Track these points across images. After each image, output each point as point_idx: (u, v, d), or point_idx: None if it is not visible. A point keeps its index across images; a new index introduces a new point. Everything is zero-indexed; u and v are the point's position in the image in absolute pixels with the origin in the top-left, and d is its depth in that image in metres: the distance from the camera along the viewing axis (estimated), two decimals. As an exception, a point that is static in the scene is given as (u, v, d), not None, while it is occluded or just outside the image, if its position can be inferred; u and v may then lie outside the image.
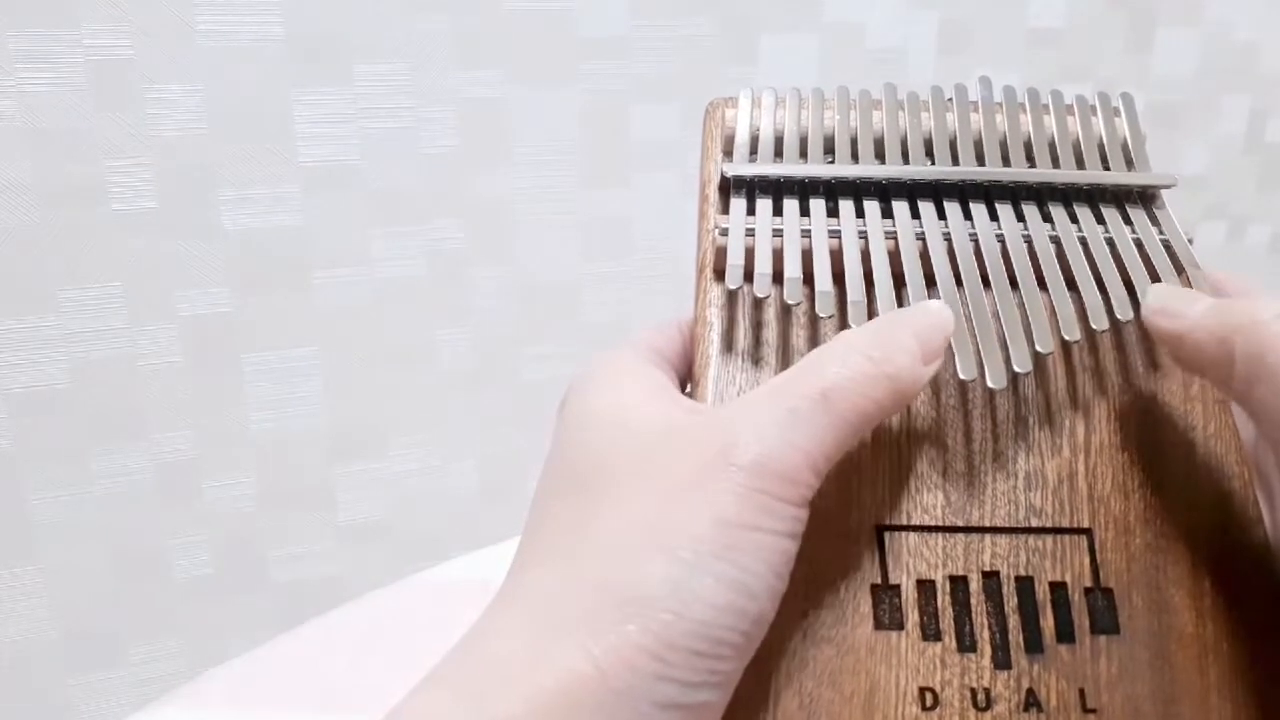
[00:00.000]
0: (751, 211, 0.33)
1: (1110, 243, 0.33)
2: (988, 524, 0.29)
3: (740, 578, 0.24)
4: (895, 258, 0.32)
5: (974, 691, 0.27)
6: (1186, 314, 0.29)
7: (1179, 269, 0.32)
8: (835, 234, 0.32)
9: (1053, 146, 0.35)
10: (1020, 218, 0.33)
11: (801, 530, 0.26)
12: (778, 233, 0.32)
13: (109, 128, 0.73)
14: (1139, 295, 0.31)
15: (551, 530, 0.27)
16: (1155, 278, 0.32)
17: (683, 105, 0.86)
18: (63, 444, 0.77)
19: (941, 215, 0.33)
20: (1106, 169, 0.35)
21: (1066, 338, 0.30)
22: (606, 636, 0.23)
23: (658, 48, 0.85)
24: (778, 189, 0.34)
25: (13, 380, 0.75)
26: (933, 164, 0.34)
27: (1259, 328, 0.26)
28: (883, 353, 0.27)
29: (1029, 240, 0.32)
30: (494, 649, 0.25)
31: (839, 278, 0.31)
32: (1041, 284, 0.31)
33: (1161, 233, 0.33)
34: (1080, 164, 0.35)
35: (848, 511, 0.29)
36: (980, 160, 0.35)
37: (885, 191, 0.34)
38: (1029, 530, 0.29)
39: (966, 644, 0.28)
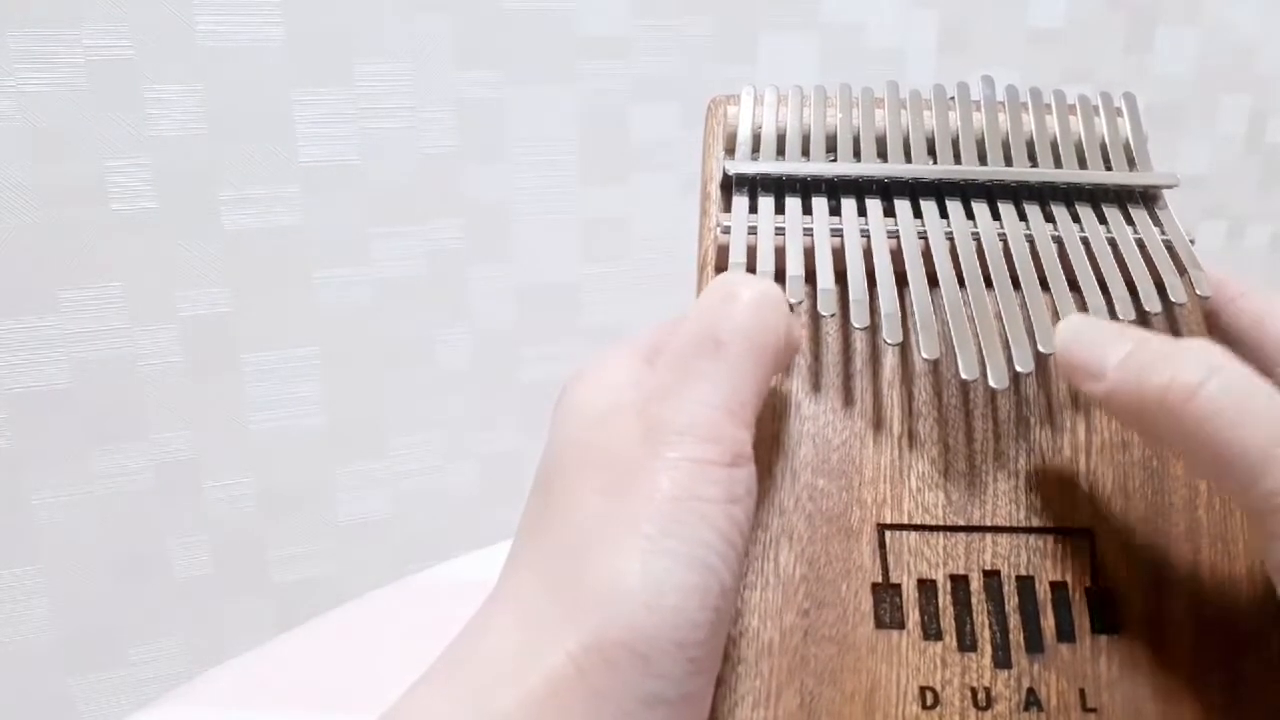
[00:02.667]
0: (754, 209, 0.33)
1: (1113, 243, 0.33)
2: (989, 523, 0.29)
3: (695, 552, 0.24)
4: (897, 256, 0.32)
5: (974, 691, 0.27)
6: (1101, 372, 0.26)
7: (1181, 270, 0.32)
8: (837, 232, 0.32)
9: (1055, 146, 0.35)
10: (1023, 217, 0.33)
11: (743, 491, 0.25)
12: (780, 231, 0.32)
13: (109, 128, 0.73)
14: (1141, 295, 0.31)
15: (532, 530, 0.27)
16: (1158, 278, 0.32)
17: (683, 105, 0.86)
18: (63, 444, 0.77)
19: (944, 214, 0.33)
20: (1109, 169, 0.35)
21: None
22: (585, 637, 0.23)
23: (658, 48, 0.85)
24: (780, 187, 0.34)
25: (13, 380, 0.75)
26: (935, 163, 0.34)
27: (1177, 407, 0.24)
28: (764, 282, 0.28)
29: (1031, 240, 0.32)
30: (485, 650, 0.25)
31: (841, 276, 0.31)
32: (1044, 284, 0.31)
33: (1164, 233, 0.33)
34: (1083, 164, 0.35)
35: (849, 510, 0.29)
36: (983, 159, 0.35)
37: (887, 190, 0.34)
38: (1030, 530, 0.29)
39: (967, 643, 0.28)
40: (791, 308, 0.31)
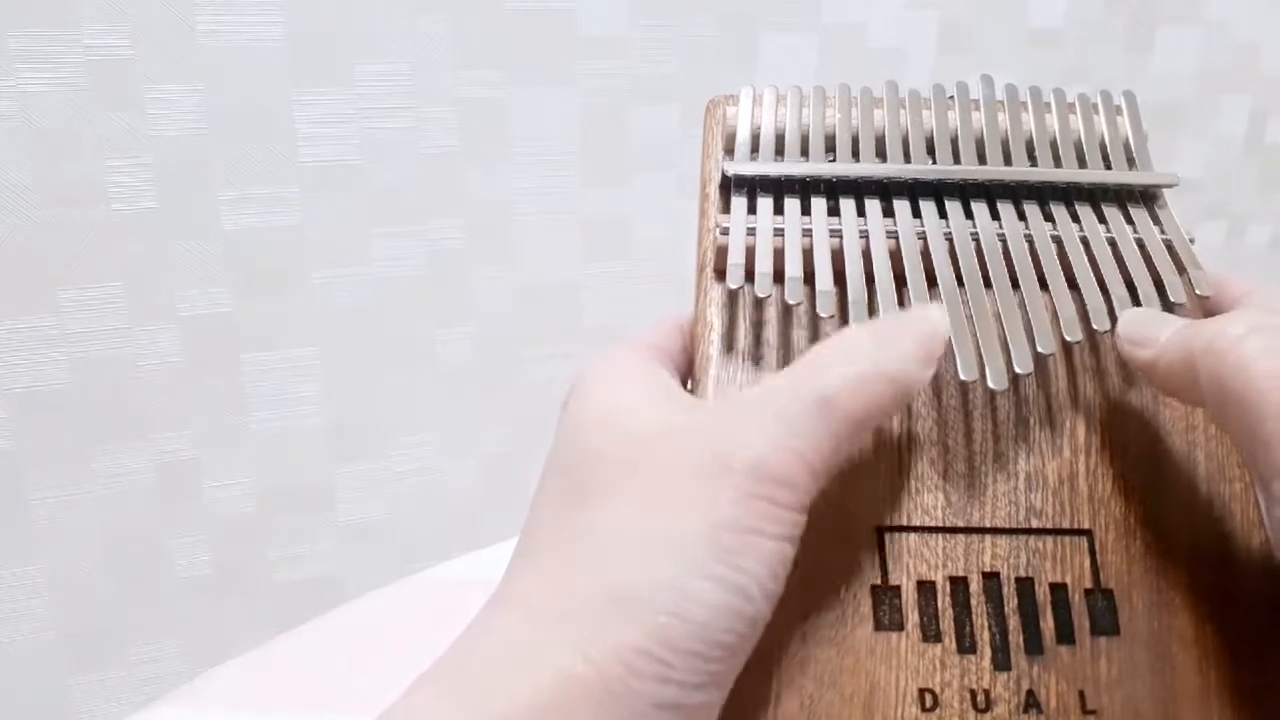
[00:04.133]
0: (753, 210, 0.33)
1: (1112, 242, 0.33)
2: (988, 525, 0.29)
3: (738, 580, 0.24)
4: (896, 257, 0.32)
5: (974, 693, 0.27)
6: (1154, 340, 0.28)
7: (1181, 269, 0.32)
8: (836, 233, 0.32)
9: (1054, 145, 0.35)
10: (1022, 217, 0.33)
11: (799, 534, 0.26)
12: (779, 232, 0.32)
13: (109, 128, 0.73)
14: (1140, 296, 0.31)
15: (549, 531, 0.27)
16: (1157, 278, 0.32)
17: (683, 105, 0.86)
18: (63, 444, 0.77)
19: (943, 214, 0.33)
20: (1108, 168, 0.35)
21: (1068, 338, 0.30)
22: (604, 639, 0.23)
23: (658, 48, 0.85)
24: (779, 187, 0.34)
25: (13, 380, 0.75)
26: (934, 162, 0.34)
27: (1221, 352, 0.26)
28: (883, 354, 0.27)
29: (1030, 240, 0.32)
30: (490, 649, 0.25)
31: (840, 277, 0.31)
32: (1043, 284, 0.31)
33: (1163, 232, 0.33)
34: (1082, 163, 0.35)
35: (848, 512, 0.29)
36: (982, 159, 0.35)
37: (886, 190, 0.34)
38: (1029, 531, 0.29)
39: (966, 645, 0.27)
40: (790, 308, 0.31)
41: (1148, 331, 0.29)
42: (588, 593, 0.24)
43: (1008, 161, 0.35)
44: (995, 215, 0.33)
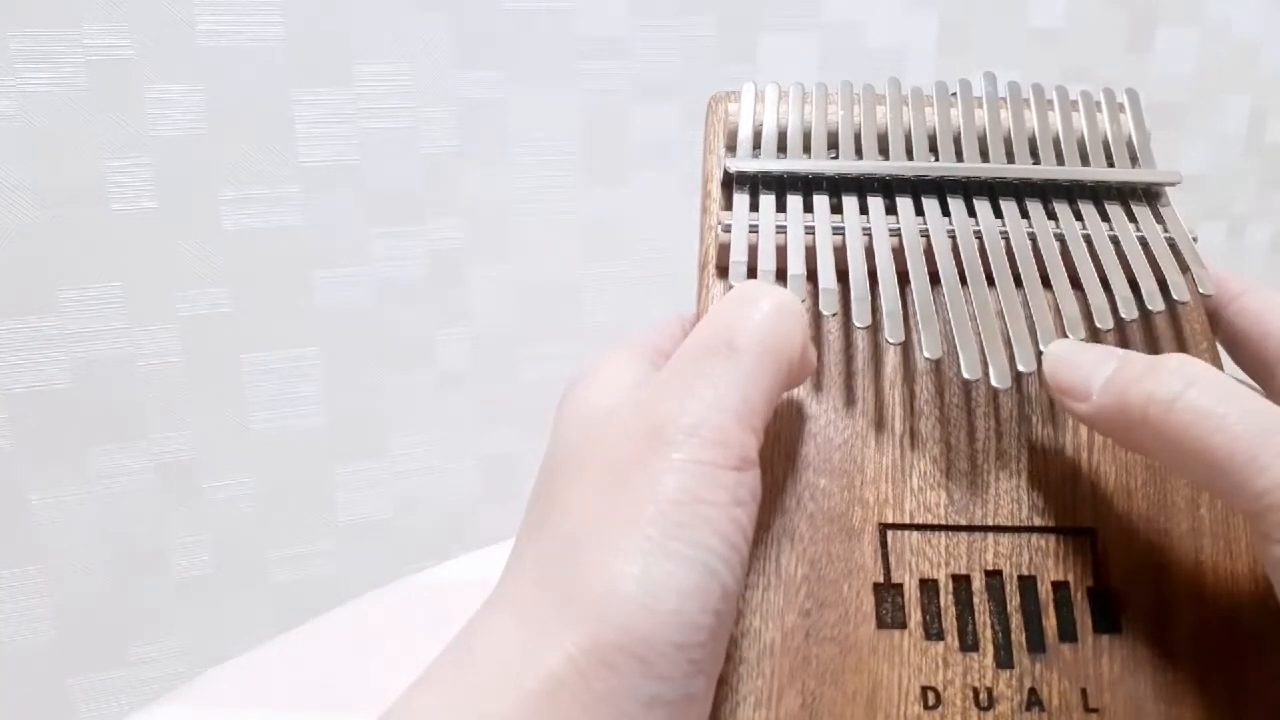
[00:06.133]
0: (755, 207, 0.33)
1: (1115, 240, 0.33)
2: (990, 523, 0.29)
3: (697, 555, 0.24)
4: (899, 255, 0.32)
5: (976, 691, 0.27)
6: (1089, 396, 0.27)
7: (1184, 267, 0.32)
8: (839, 230, 0.32)
9: (1057, 143, 0.35)
10: (1025, 214, 0.33)
11: (748, 495, 0.25)
12: (781, 229, 0.32)
13: (109, 128, 0.72)
14: (1144, 294, 0.31)
15: (532, 530, 0.27)
16: (1160, 276, 0.32)
17: (683, 105, 0.86)
18: (63, 444, 0.77)
19: (946, 212, 0.33)
20: (1111, 166, 0.35)
21: (1071, 336, 0.30)
22: (584, 639, 0.23)
23: (658, 48, 0.85)
24: (781, 184, 0.34)
25: (13, 380, 0.75)
26: (937, 160, 0.34)
27: (1158, 420, 0.25)
28: (768, 287, 0.28)
29: (1033, 238, 0.32)
30: (485, 652, 0.25)
31: (842, 275, 0.31)
32: (1046, 282, 0.31)
33: (1166, 230, 0.33)
34: (1085, 161, 0.35)
35: (850, 510, 0.29)
36: (985, 156, 0.35)
37: (889, 187, 0.34)
38: (1032, 529, 0.29)
39: (969, 643, 0.27)
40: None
41: (1079, 379, 0.27)
42: (566, 592, 0.24)
43: (1011, 159, 0.35)
44: (998, 213, 0.33)
